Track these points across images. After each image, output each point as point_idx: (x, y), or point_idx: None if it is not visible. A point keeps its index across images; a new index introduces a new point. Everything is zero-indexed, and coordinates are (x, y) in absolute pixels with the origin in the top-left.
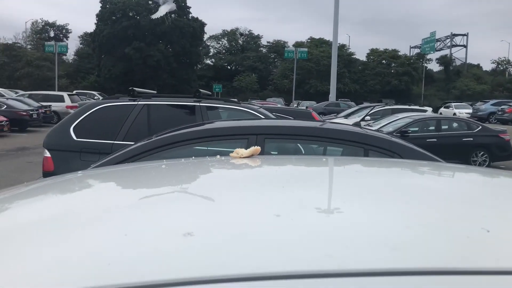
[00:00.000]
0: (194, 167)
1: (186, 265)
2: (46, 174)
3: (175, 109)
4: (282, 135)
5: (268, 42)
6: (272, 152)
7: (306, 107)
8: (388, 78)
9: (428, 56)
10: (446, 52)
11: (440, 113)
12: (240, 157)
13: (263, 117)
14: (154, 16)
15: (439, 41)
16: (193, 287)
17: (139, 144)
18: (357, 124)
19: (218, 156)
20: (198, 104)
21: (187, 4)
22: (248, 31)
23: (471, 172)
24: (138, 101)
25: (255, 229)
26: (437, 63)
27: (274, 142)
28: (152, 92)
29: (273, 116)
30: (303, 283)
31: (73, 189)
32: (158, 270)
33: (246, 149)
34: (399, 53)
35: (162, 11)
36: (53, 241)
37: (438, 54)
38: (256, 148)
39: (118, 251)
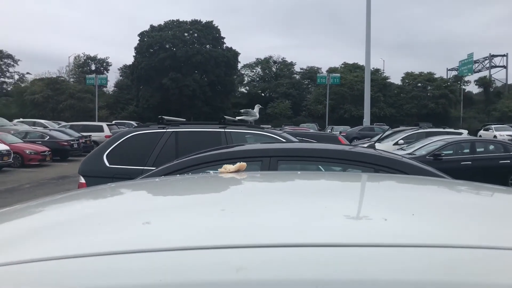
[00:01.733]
0: (190, 181)
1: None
2: None
3: (201, 135)
4: (294, 157)
5: (301, 68)
6: None
7: (340, 132)
8: (424, 101)
9: (466, 78)
10: (485, 73)
11: (480, 136)
12: (228, 172)
13: (284, 140)
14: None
15: (477, 62)
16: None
17: (160, 168)
18: (371, 146)
19: (210, 172)
20: (223, 130)
21: (221, 35)
22: (282, 59)
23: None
24: (166, 129)
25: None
26: (476, 84)
27: (287, 163)
28: (180, 119)
29: (295, 140)
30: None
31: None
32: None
33: (260, 170)
34: (435, 76)
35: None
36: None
37: (476, 76)
38: (242, 164)
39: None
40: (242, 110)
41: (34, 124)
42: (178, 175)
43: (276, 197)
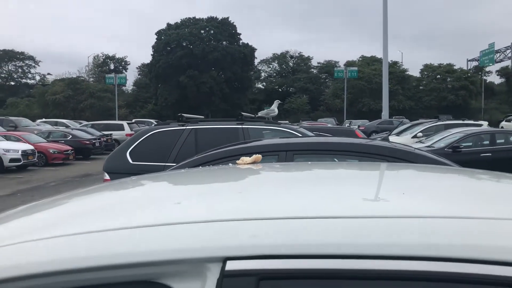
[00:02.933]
0: (212, 171)
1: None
2: None
3: (219, 131)
4: (309, 150)
5: (318, 63)
6: None
7: (358, 126)
8: (444, 93)
9: (488, 68)
10: (507, 63)
11: (502, 127)
12: (245, 164)
13: (300, 135)
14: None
15: (499, 52)
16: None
17: (182, 163)
18: (385, 139)
19: (230, 164)
20: (241, 126)
21: (238, 31)
22: (298, 53)
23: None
24: (186, 126)
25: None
26: (497, 75)
27: (302, 157)
28: (199, 117)
29: (311, 134)
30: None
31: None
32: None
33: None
34: (455, 67)
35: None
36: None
37: (498, 66)
38: (257, 156)
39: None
40: (259, 113)
41: (56, 124)
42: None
43: (289, 184)
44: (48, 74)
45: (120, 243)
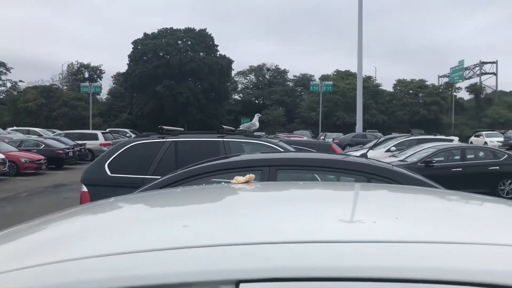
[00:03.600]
0: (206, 191)
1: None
2: None
3: (200, 144)
4: (292, 166)
5: (294, 76)
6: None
7: (333, 139)
8: (416, 108)
9: (458, 85)
10: (475, 80)
11: (471, 142)
12: (238, 183)
13: (282, 150)
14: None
15: (468, 69)
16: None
17: (165, 177)
18: (363, 155)
19: (223, 183)
20: (222, 139)
21: (215, 43)
22: (275, 66)
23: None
24: (166, 138)
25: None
26: (467, 91)
27: (286, 172)
28: (179, 129)
29: (291, 149)
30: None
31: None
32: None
33: (260, 179)
34: (427, 83)
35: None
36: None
37: (467, 83)
38: (251, 176)
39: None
40: (240, 127)
41: (28, 132)
42: (187, 184)
43: (283, 203)
44: (20, 81)
45: (133, 266)
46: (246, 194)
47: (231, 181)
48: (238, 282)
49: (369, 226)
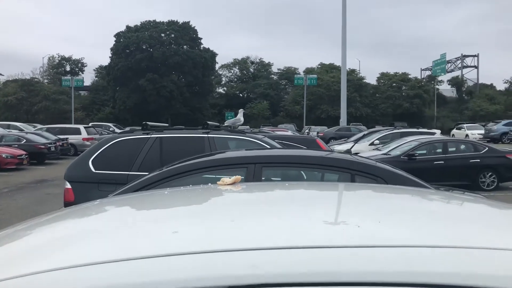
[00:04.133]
0: (194, 193)
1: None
2: (67, 204)
3: (185, 140)
4: (277, 163)
5: (278, 69)
6: (273, 178)
7: (317, 133)
8: (399, 101)
9: (440, 78)
10: (457, 73)
11: (453, 135)
12: (225, 184)
13: (267, 146)
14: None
15: (450, 62)
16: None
17: (151, 174)
18: (348, 152)
19: (209, 184)
20: (206, 135)
21: (199, 36)
22: (259, 59)
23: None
24: (151, 134)
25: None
26: (448, 84)
27: (271, 169)
28: (164, 125)
29: (277, 145)
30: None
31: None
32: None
33: (245, 177)
34: (410, 76)
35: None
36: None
37: (449, 76)
38: (237, 177)
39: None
40: (226, 123)
41: (8, 127)
42: (172, 181)
43: (270, 206)
44: None
45: (122, 275)
46: (233, 197)
47: (218, 182)
48: None
49: (354, 230)
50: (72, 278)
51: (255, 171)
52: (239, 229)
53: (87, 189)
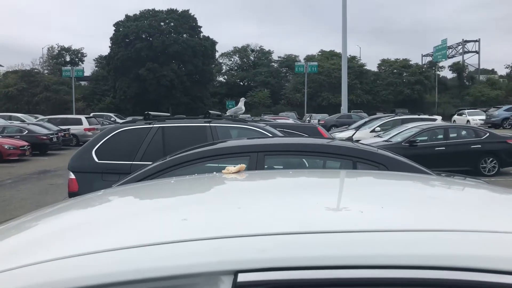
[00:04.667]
0: (200, 182)
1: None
2: (72, 194)
3: (187, 130)
4: (279, 151)
5: (279, 57)
6: (275, 166)
7: (318, 120)
8: (400, 87)
9: (441, 64)
10: (458, 59)
11: (454, 121)
12: (230, 173)
13: (269, 134)
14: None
15: (451, 48)
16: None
17: (155, 164)
18: (349, 139)
19: (214, 173)
20: (208, 124)
21: (198, 24)
22: (259, 47)
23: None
24: (153, 124)
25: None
26: (449, 70)
27: (274, 158)
28: (166, 114)
29: (278, 133)
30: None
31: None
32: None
33: (248, 165)
34: (411, 62)
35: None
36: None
37: (450, 62)
38: (242, 166)
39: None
40: (227, 112)
41: (10, 118)
42: (177, 170)
43: (275, 193)
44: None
45: (135, 260)
46: (239, 185)
47: (223, 171)
48: (236, 272)
49: (357, 215)
50: (83, 265)
51: (257, 159)
52: (246, 215)
53: (91, 179)
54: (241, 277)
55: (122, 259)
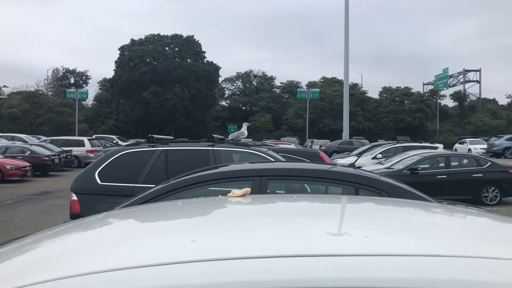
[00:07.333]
0: (207, 204)
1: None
2: (73, 216)
3: (190, 153)
4: (282, 176)
5: (281, 82)
6: (277, 191)
7: (320, 146)
8: (401, 115)
9: (442, 92)
10: (459, 88)
11: (455, 149)
12: (235, 196)
13: (271, 159)
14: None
15: (452, 77)
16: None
17: (158, 187)
18: (351, 165)
19: (220, 196)
20: (211, 148)
21: (202, 49)
22: (262, 73)
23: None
24: (156, 147)
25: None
26: (451, 99)
27: (276, 182)
28: (169, 138)
29: (281, 158)
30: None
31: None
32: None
33: (251, 189)
34: (412, 90)
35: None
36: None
37: (452, 90)
38: (247, 189)
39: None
40: (230, 136)
41: (13, 138)
42: (180, 193)
43: (281, 217)
44: (4, 86)
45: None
46: (245, 208)
47: (229, 194)
48: None
49: (362, 240)
50: (87, 285)
51: (260, 183)
52: (253, 238)
53: (93, 201)
54: None
55: (122, 279)
